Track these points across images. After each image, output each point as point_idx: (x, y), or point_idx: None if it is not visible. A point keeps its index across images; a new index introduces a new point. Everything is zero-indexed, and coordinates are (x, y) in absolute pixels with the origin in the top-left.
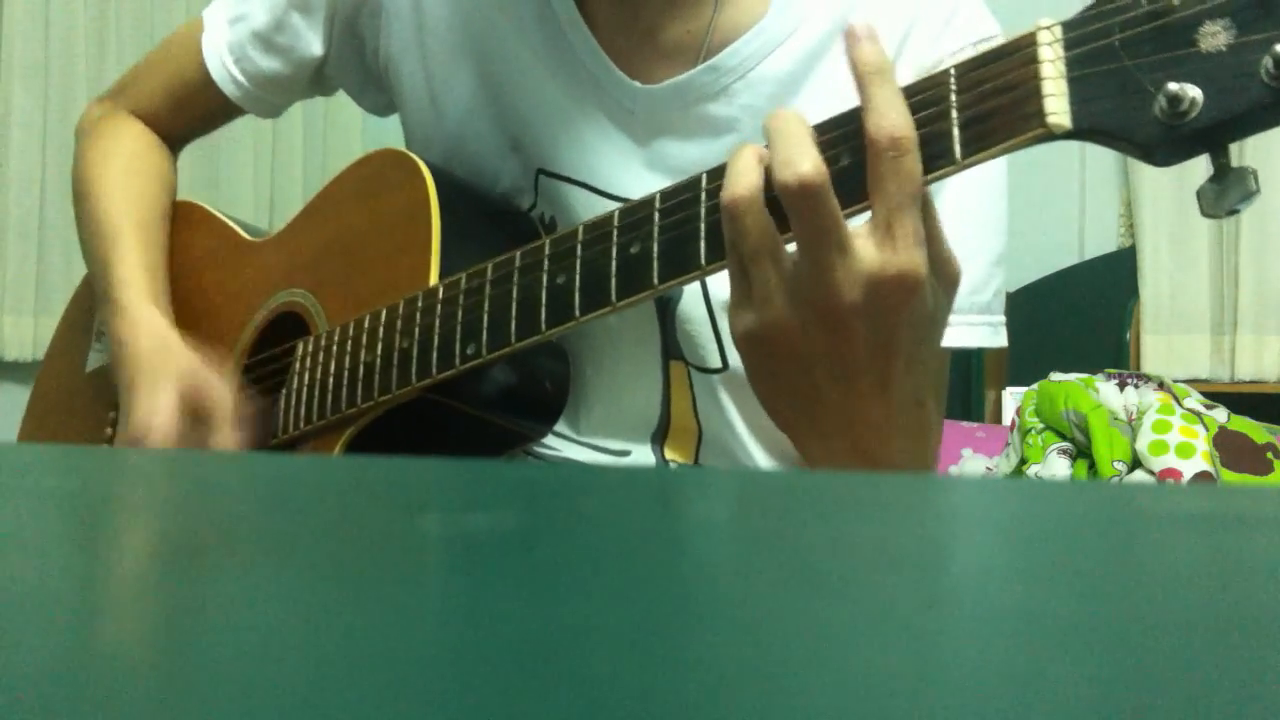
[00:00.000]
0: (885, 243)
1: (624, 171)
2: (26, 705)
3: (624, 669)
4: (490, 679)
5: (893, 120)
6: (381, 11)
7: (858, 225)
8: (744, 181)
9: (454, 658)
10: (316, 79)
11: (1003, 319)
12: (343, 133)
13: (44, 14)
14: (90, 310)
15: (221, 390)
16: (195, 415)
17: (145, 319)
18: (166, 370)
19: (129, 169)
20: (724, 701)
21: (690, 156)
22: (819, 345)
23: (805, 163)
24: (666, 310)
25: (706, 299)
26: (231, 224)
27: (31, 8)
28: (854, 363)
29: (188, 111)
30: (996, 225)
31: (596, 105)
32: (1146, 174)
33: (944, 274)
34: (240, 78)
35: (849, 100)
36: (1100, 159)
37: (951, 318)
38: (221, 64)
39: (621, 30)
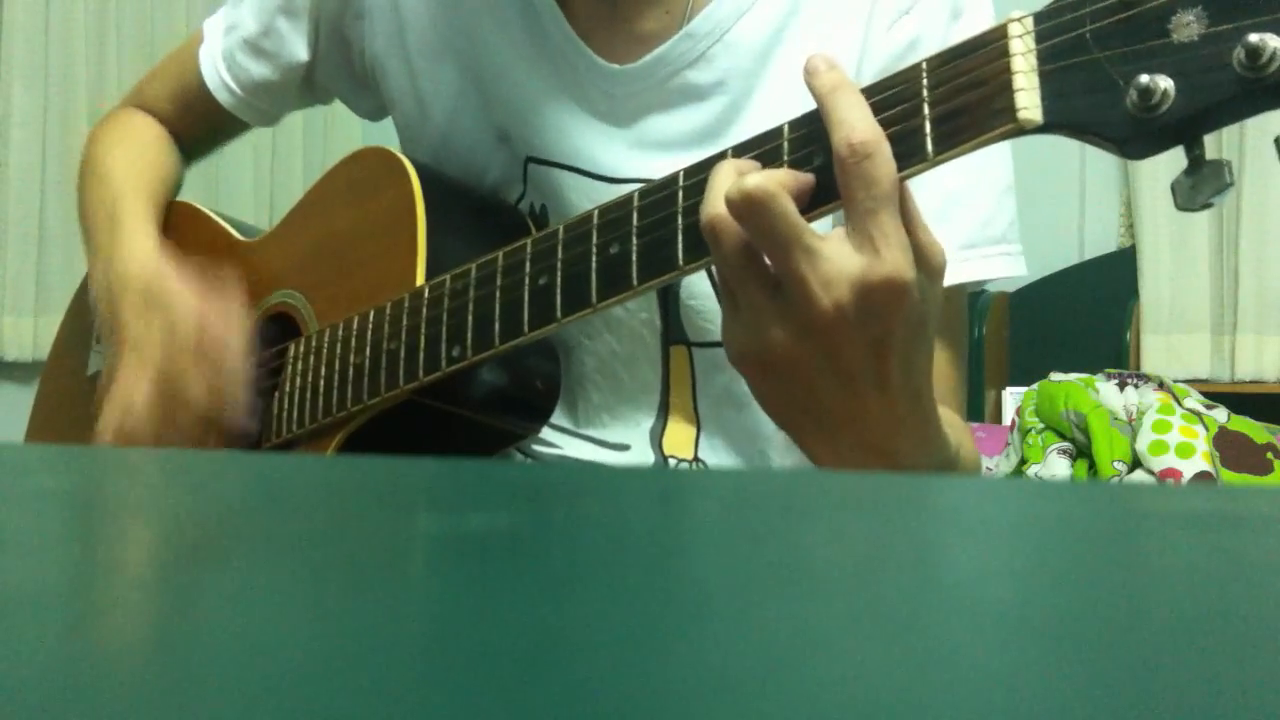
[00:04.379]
0: (865, 246)
1: (611, 154)
2: (26, 705)
3: (623, 669)
4: (488, 679)
5: (850, 126)
6: (365, 14)
7: (835, 230)
8: (722, 198)
9: (451, 658)
10: (307, 85)
11: (1019, 247)
12: (343, 132)
13: (44, 14)
14: (90, 312)
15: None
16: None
17: (140, 249)
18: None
19: (137, 148)
20: (723, 701)
21: (677, 128)
22: (813, 356)
23: (752, 176)
24: (668, 291)
25: (710, 270)
26: (224, 224)
27: (31, 8)
28: (850, 367)
29: (191, 119)
30: (999, 153)
31: (577, 93)
32: (1146, 174)
33: (928, 265)
34: (233, 85)
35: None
36: (1100, 159)
37: (966, 252)
38: (215, 72)
39: (599, 18)
